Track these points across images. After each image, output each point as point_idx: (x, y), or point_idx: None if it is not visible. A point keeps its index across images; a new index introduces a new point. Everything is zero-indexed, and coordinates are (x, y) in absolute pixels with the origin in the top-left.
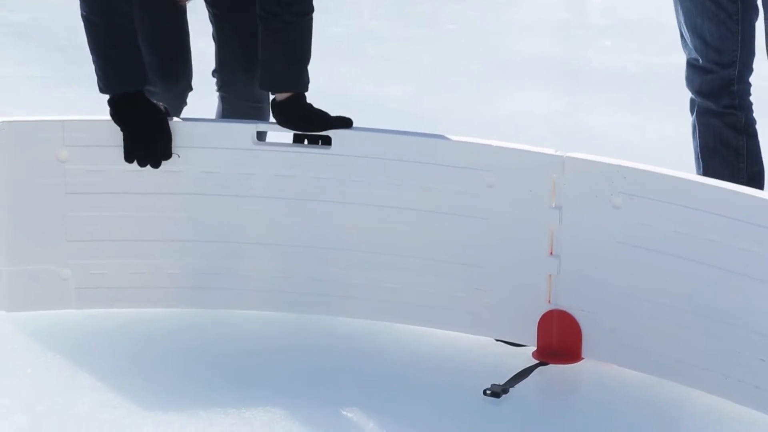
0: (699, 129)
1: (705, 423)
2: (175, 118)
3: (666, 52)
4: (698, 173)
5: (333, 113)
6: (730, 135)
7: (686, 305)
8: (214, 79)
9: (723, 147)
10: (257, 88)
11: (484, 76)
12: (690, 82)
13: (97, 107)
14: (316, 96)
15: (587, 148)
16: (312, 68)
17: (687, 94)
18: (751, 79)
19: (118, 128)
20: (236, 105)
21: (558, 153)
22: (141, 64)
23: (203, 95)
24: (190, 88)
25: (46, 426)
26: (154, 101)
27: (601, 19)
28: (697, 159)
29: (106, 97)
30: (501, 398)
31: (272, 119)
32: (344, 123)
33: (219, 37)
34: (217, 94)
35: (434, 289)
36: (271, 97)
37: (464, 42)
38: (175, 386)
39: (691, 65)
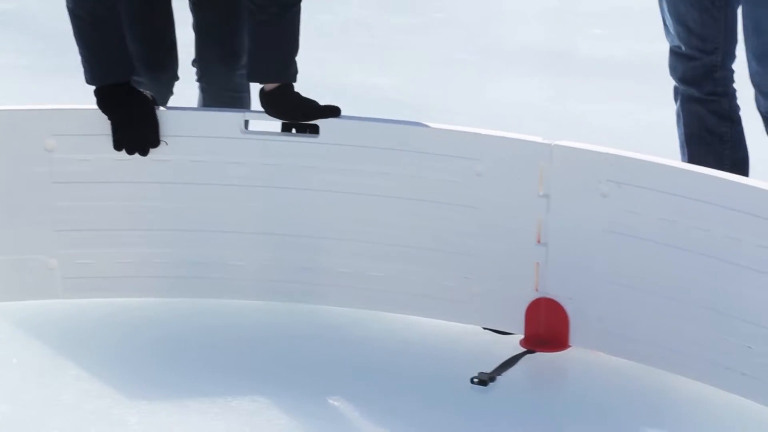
0: (683, 116)
1: (692, 410)
2: (162, 108)
3: (657, 39)
4: (683, 160)
5: (322, 102)
6: (713, 122)
7: (674, 293)
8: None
9: (707, 134)
10: (236, 78)
11: (473, 64)
12: (673, 69)
13: (85, 96)
14: (305, 85)
15: (578, 137)
16: (300, 57)
17: None
18: (735, 66)
19: (106, 117)
20: (216, 95)
21: (546, 141)
22: (127, 56)
23: (190, 84)
24: (177, 78)
25: (30, 416)
26: (141, 90)
27: (591, 6)
28: (681, 146)
29: (93, 87)
30: (488, 386)
31: (260, 108)
32: (332, 112)
33: (197, 26)
34: (197, 84)
35: (422, 277)
36: (259, 86)
37: (453, 30)
38: (162, 376)
39: (674, 53)
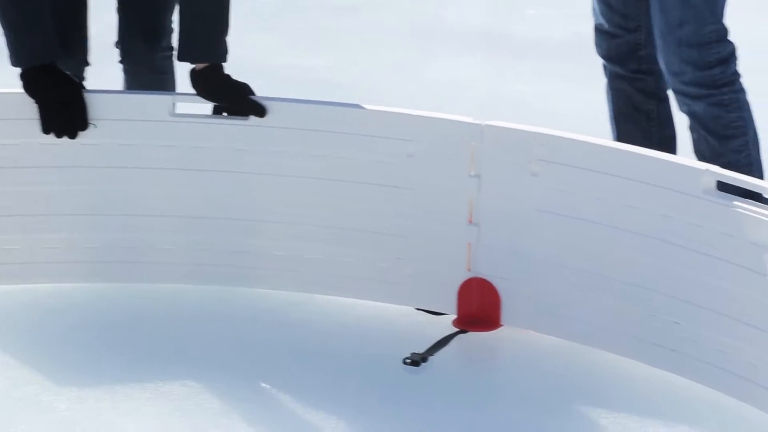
0: (611, 93)
1: (622, 387)
2: (91, 91)
3: (592, 18)
4: (613, 138)
5: (254, 85)
6: (640, 99)
7: (603, 270)
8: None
9: (634, 111)
10: (158, 60)
11: (408, 45)
12: (598, 47)
13: (10, 79)
14: (238, 67)
15: (514, 117)
16: (233, 39)
17: None
18: None
19: (32, 101)
20: (138, 76)
21: (476, 121)
22: (53, 37)
23: (116, 67)
24: (87, 63)
25: None
26: (67, 73)
27: None
28: (611, 123)
29: (19, 70)
30: (420, 367)
31: (191, 90)
32: (258, 111)
33: (120, 6)
34: (120, 66)
35: (356, 259)
36: (189, 68)
37: (389, 11)
38: (92, 362)
39: (597, 30)
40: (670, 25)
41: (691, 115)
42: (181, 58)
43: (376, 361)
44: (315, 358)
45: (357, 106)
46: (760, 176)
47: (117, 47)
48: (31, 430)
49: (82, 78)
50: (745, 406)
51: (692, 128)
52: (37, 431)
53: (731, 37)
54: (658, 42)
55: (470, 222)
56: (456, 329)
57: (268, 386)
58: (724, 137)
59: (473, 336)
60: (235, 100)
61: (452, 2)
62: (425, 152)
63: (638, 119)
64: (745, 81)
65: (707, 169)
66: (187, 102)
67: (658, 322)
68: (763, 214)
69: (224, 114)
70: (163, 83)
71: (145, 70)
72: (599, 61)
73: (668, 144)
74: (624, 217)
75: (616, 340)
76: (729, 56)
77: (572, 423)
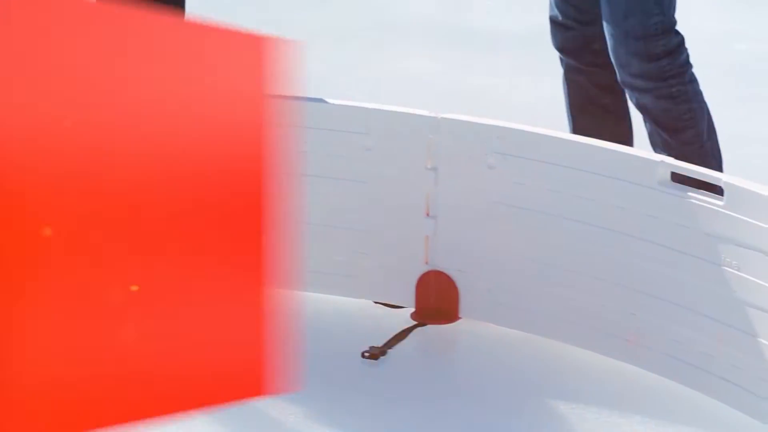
0: (567, 86)
1: (580, 378)
2: None
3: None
4: (570, 130)
5: None
6: (596, 92)
7: (560, 262)
8: None
9: (590, 104)
10: None
11: (365, 38)
12: (553, 38)
13: None
14: None
15: (471, 110)
16: None
17: None
18: None
19: None
20: None
21: (433, 114)
22: None
23: None
24: None
25: None
26: None
27: None
28: (568, 116)
29: None
30: (379, 360)
31: None
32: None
33: None
34: None
35: (313, 253)
36: None
37: (348, 5)
38: None
39: (552, 21)
40: (617, 17)
41: (641, 107)
42: None
43: (335, 354)
44: None
45: (313, 99)
46: (718, 166)
47: None
48: None
49: None
50: (699, 395)
51: (644, 120)
52: None
53: (681, 29)
54: (606, 34)
55: (427, 215)
56: (414, 322)
57: None
58: (675, 129)
59: (432, 329)
60: None
61: None
62: (382, 145)
63: (594, 112)
64: (698, 72)
65: (662, 161)
66: None
67: (614, 313)
68: (717, 205)
69: None
70: None
71: None
72: (556, 53)
73: (625, 137)
74: (580, 209)
75: (574, 332)
76: (676, 48)
77: (530, 414)
